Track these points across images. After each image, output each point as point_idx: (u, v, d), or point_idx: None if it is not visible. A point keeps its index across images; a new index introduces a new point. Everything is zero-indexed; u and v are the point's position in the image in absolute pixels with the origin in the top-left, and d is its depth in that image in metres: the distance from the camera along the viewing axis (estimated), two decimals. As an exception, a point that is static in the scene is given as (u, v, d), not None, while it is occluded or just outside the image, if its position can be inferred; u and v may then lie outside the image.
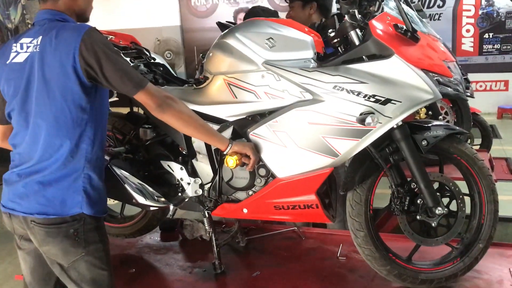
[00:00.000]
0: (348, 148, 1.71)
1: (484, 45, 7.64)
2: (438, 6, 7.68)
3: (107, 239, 1.67)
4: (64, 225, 1.53)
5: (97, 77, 1.48)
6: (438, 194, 1.82)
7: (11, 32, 6.26)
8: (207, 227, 2.11)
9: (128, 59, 2.09)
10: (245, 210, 1.96)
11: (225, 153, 1.80)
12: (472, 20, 7.63)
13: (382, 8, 1.76)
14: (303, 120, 1.75)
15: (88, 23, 1.61)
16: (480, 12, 7.56)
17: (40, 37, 1.51)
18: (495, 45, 7.59)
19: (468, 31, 7.68)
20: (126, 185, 2.04)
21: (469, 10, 7.60)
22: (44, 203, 1.52)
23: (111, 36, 2.23)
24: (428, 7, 7.65)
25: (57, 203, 1.52)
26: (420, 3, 7.42)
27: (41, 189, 1.52)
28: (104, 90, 1.60)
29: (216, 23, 3.09)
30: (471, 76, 4.15)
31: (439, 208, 1.79)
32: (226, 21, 3.10)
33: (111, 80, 1.49)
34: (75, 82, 1.47)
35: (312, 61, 1.78)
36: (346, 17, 1.73)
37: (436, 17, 7.69)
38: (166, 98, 1.60)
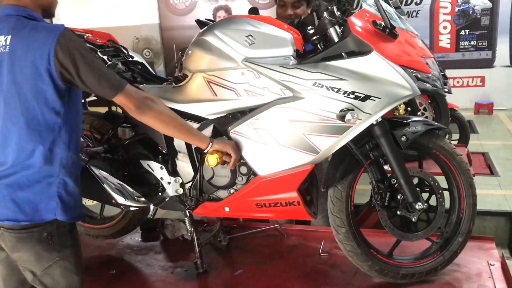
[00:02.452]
0: (329, 144, 1.72)
1: (460, 42, 7.77)
2: (416, 3, 7.78)
3: (79, 243, 1.61)
4: (36, 229, 1.47)
5: (73, 80, 1.43)
6: (417, 189, 1.84)
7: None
8: (188, 227, 2.09)
9: (105, 57, 2.06)
10: (226, 209, 1.95)
11: (205, 151, 1.78)
12: (448, 17, 7.74)
13: (361, 5, 1.77)
14: (283, 118, 1.74)
15: (62, 23, 1.55)
16: (456, 9, 7.67)
17: (9, 36, 1.42)
18: (471, 41, 7.72)
19: (445, 28, 7.79)
20: (105, 185, 2.01)
21: (446, 7, 7.71)
22: (14, 209, 1.45)
23: (87, 34, 2.19)
24: (406, 4, 7.74)
25: (29, 209, 1.46)
26: (398, 0, 7.51)
27: (12, 194, 1.45)
28: (78, 93, 1.54)
29: (195, 20, 3.06)
30: (449, 72, 4.20)
31: (419, 203, 1.81)
32: (206, 19, 3.08)
33: (88, 83, 1.44)
34: (49, 85, 1.41)
35: (292, 58, 1.78)
36: (325, 14, 1.73)
37: (414, 14, 7.78)
38: (145, 99, 1.56)
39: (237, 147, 1.82)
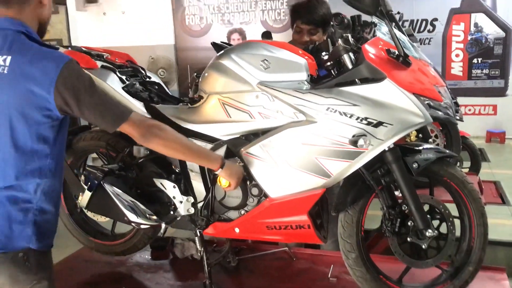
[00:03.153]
0: (341, 169, 1.73)
1: (473, 70, 7.79)
2: (428, 31, 7.84)
3: (53, 266, 1.54)
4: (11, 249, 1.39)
5: (71, 112, 1.39)
6: (428, 216, 1.83)
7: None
8: (198, 246, 2.10)
9: (124, 77, 2.11)
10: (237, 230, 1.96)
11: (216, 173, 1.80)
12: (461, 45, 7.78)
13: (375, 33, 1.80)
14: (296, 141, 1.76)
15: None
16: (469, 37, 7.72)
17: (9, 57, 1.35)
18: (484, 70, 7.73)
19: (457, 55, 7.83)
20: (118, 202, 2.03)
21: (458, 36, 7.76)
22: None
23: (107, 54, 2.25)
24: (419, 32, 7.80)
25: (1, 235, 1.38)
26: (410, 27, 7.59)
27: None
28: (67, 121, 1.48)
29: (211, 43, 3.12)
30: (460, 100, 4.21)
31: (429, 230, 1.80)
32: (221, 42, 3.14)
33: (89, 116, 1.41)
34: (44, 114, 1.36)
35: (306, 83, 1.81)
36: (340, 41, 1.76)
37: (426, 41, 7.83)
38: (149, 127, 1.53)
39: (249, 168, 1.84)
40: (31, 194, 1.41)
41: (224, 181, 1.81)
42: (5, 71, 1.35)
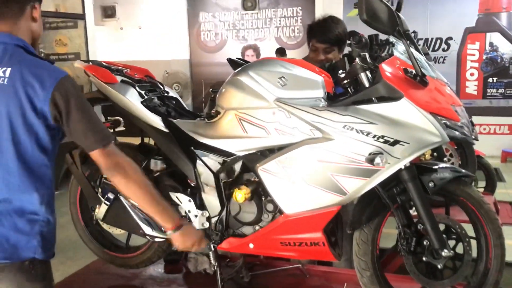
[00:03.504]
0: (357, 187, 1.73)
1: (488, 89, 7.75)
2: (443, 50, 7.84)
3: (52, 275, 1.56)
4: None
5: (61, 124, 1.45)
6: (444, 236, 1.82)
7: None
8: (212, 261, 2.10)
9: (142, 91, 2.15)
10: (251, 245, 1.96)
11: (167, 233, 1.70)
12: (476, 64, 7.77)
13: (392, 52, 1.82)
14: (312, 157, 1.77)
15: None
16: (484, 56, 7.71)
17: (9, 69, 1.41)
18: (499, 89, 7.70)
19: (472, 74, 7.81)
20: (134, 215, 2.05)
21: (473, 55, 7.75)
22: None
23: (126, 69, 2.29)
24: (433, 50, 7.81)
25: (8, 246, 1.41)
26: (425, 46, 7.60)
27: None
28: (60, 132, 1.52)
29: (227, 59, 3.16)
30: (475, 119, 4.18)
31: (445, 250, 1.79)
32: (237, 58, 3.18)
33: (73, 131, 1.45)
34: (42, 122, 1.42)
35: (323, 100, 1.82)
36: (357, 60, 1.78)
37: (441, 60, 7.84)
38: (119, 163, 1.52)
39: (265, 184, 1.85)
40: (37, 205, 1.46)
41: (240, 195, 1.83)
42: (5, 82, 1.41)
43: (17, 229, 1.43)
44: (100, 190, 2.15)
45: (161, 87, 2.29)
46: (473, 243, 1.87)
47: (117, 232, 2.32)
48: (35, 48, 1.55)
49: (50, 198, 1.50)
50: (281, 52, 8.04)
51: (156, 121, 2.05)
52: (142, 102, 2.10)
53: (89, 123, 1.46)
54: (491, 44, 7.64)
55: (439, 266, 1.81)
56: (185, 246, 1.74)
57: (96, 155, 1.49)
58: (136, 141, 2.34)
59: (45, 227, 1.47)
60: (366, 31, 1.84)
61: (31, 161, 1.44)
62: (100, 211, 2.12)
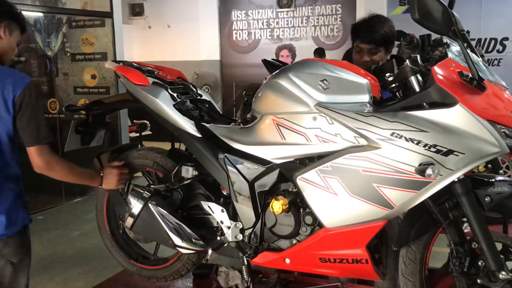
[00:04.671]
0: (405, 200, 1.70)
1: (548, 95, 7.51)
2: (498, 51, 7.66)
3: None
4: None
5: (16, 117, 1.89)
6: (501, 256, 1.77)
7: (49, 59, 6.59)
8: (245, 276, 2.11)
9: (175, 94, 2.18)
10: (287, 260, 1.96)
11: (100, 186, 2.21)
12: (535, 67, 7.55)
13: (446, 54, 1.79)
14: (356, 167, 1.75)
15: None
16: (544, 58, 7.49)
17: None
18: (561, 95, 7.45)
19: (530, 78, 7.58)
20: (163, 225, 2.08)
21: (532, 57, 7.54)
22: None
23: (158, 70, 2.34)
24: (487, 52, 7.65)
25: (7, 222, 1.94)
26: (479, 47, 7.45)
27: None
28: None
29: (262, 60, 3.18)
30: (535, 128, 4.07)
31: (503, 273, 1.73)
32: (272, 59, 3.20)
33: (20, 124, 1.89)
34: (11, 115, 1.88)
35: (368, 105, 1.80)
36: (407, 62, 1.76)
37: (495, 62, 7.65)
38: (47, 165, 1.95)
39: (303, 194, 1.85)
40: (18, 180, 2.00)
41: (277, 206, 1.83)
42: None
43: (14, 208, 1.97)
44: (129, 197, 2.19)
45: (194, 89, 2.32)
46: (535, 265, 1.82)
47: (145, 242, 2.36)
48: (2, 62, 2.00)
49: (20, 173, 2.02)
50: (319, 52, 8.02)
51: (189, 125, 2.08)
52: (174, 105, 2.14)
53: (33, 122, 1.90)
54: (552, 44, 7.42)
55: (495, 290, 1.76)
56: (112, 187, 2.22)
57: (31, 151, 1.93)
58: (165, 146, 2.38)
59: (23, 197, 2.02)
60: (413, 30, 1.82)
61: (6, 145, 1.93)
62: (129, 219, 2.16)
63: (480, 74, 1.68)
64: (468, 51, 1.72)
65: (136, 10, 10.17)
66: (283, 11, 9.22)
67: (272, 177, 1.98)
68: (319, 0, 9.02)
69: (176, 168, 2.18)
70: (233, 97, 9.45)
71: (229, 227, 2.04)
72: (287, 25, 9.34)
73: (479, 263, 1.77)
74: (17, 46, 2.07)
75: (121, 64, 2.35)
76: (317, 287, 2.43)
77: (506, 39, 7.62)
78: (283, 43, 9.40)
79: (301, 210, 1.93)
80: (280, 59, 9.07)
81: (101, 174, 2.20)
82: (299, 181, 1.87)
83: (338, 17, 9.01)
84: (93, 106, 2.44)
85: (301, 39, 9.30)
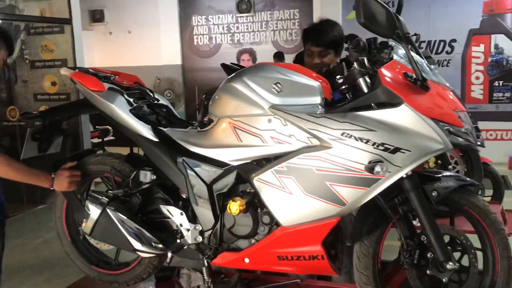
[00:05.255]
0: (356, 197, 1.73)
1: (494, 93, 7.80)
2: (447, 52, 7.89)
3: None
4: None
5: None
6: (449, 248, 1.82)
7: (8, 67, 6.39)
8: (205, 277, 2.10)
9: (131, 99, 2.15)
10: (246, 260, 1.96)
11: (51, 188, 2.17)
12: (481, 67, 7.82)
13: (392, 56, 1.83)
14: (310, 167, 1.77)
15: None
16: (489, 59, 7.76)
17: None
18: (506, 93, 7.74)
19: (477, 78, 7.85)
20: (123, 230, 2.05)
21: (478, 57, 7.80)
22: None
23: (115, 76, 2.30)
24: (437, 53, 7.86)
25: None
26: (428, 49, 7.65)
27: None
28: None
29: (221, 64, 3.18)
30: (481, 125, 4.20)
31: (450, 263, 1.79)
32: (231, 63, 3.19)
33: None
34: None
35: (320, 106, 1.83)
36: (355, 64, 1.79)
37: (445, 63, 7.88)
38: None
39: (261, 195, 1.85)
40: None
41: (234, 207, 1.83)
42: None
43: None
44: (87, 203, 2.15)
45: (151, 94, 2.29)
46: (479, 255, 1.87)
47: (105, 247, 2.31)
48: None
49: None
50: (279, 56, 8.07)
51: (145, 130, 2.05)
52: (130, 110, 2.11)
53: None
54: (496, 46, 7.70)
55: (444, 280, 1.81)
56: (63, 188, 2.21)
57: None
58: (128, 151, 2.34)
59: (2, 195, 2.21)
60: (366, 34, 1.86)
61: None
62: (87, 225, 2.12)
63: (423, 74, 1.72)
64: (413, 53, 1.76)
65: (96, 17, 9.98)
66: (242, 16, 9.23)
67: (230, 179, 1.97)
68: (277, 5, 9.08)
69: (134, 173, 2.15)
70: (195, 101, 9.39)
71: (188, 230, 2.03)
72: (247, 29, 9.36)
73: (428, 255, 1.82)
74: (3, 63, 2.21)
75: (76, 70, 2.31)
76: (277, 284, 2.43)
77: (454, 41, 7.86)
78: (243, 48, 9.41)
79: (259, 210, 1.94)
80: (241, 63, 9.09)
81: (53, 176, 2.16)
82: (256, 181, 1.87)
83: (296, 22, 9.08)
84: (49, 113, 2.39)
85: (261, 43, 9.34)
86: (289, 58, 8.07)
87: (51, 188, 2.18)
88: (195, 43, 9.63)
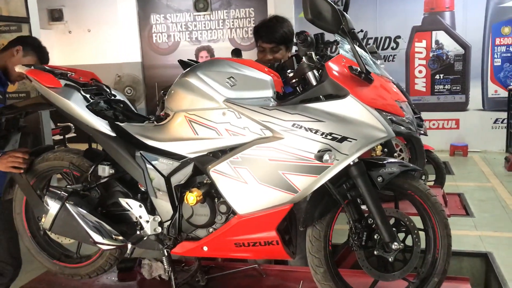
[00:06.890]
0: (307, 184, 1.75)
1: (435, 86, 8.05)
2: (392, 48, 8.08)
3: None
4: None
5: None
6: (394, 229, 1.87)
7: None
8: (166, 266, 2.08)
9: (88, 95, 2.09)
10: (205, 248, 1.95)
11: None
12: (424, 62, 8.05)
13: (338, 51, 1.85)
14: (263, 157, 1.78)
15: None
16: (430, 54, 8.00)
17: None
18: (446, 85, 8.01)
19: (420, 72, 8.09)
20: (82, 223, 1.99)
21: (421, 53, 8.03)
22: None
23: (71, 73, 2.22)
24: (383, 49, 8.03)
25: None
26: (374, 45, 7.81)
27: None
28: None
29: (178, 61, 3.14)
30: (425, 115, 4.34)
31: (395, 243, 1.83)
32: (188, 59, 3.16)
33: None
34: None
35: (272, 100, 1.83)
36: (304, 59, 1.80)
37: (390, 58, 8.07)
38: None
39: (217, 185, 1.84)
40: None
41: (191, 198, 1.81)
42: None
43: None
44: (46, 198, 2.07)
45: (108, 90, 2.23)
46: (422, 235, 1.93)
47: (66, 241, 2.25)
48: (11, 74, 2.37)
49: None
50: (236, 53, 8.01)
51: (102, 125, 2.00)
52: (87, 106, 2.05)
53: None
54: (436, 42, 7.95)
55: (390, 259, 1.86)
56: (2, 168, 2.19)
57: None
58: (82, 147, 2.27)
59: None
60: (317, 31, 1.87)
61: None
62: (47, 220, 2.04)
63: (367, 68, 1.75)
64: (357, 47, 1.79)
65: (55, 16, 9.62)
66: (200, 15, 9.13)
67: (187, 171, 1.95)
68: (233, 4, 9.03)
69: (93, 167, 2.09)
70: (156, 97, 9.24)
71: (147, 221, 1.99)
72: (205, 27, 9.27)
73: (375, 236, 1.86)
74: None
75: (32, 67, 2.22)
76: (236, 270, 2.44)
77: (399, 37, 8.05)
78: (201, 45, 9.32)
79: (216, 200, 1.93)
80: (200, 60, 8.99)
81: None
82: (212, 173, 1.86)
83: (251, 20, 9.06)
84: (5, 110, 2.29)
85: (219, 41, 9.27)
86: (246, 54, 8.06)
87: None
88: (154, 41, 9.46)
